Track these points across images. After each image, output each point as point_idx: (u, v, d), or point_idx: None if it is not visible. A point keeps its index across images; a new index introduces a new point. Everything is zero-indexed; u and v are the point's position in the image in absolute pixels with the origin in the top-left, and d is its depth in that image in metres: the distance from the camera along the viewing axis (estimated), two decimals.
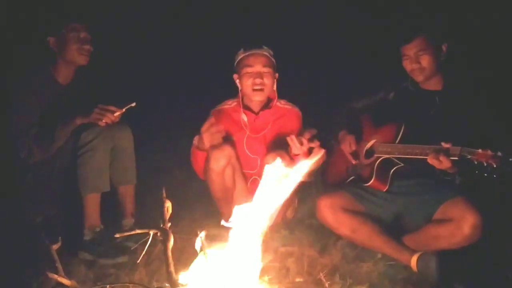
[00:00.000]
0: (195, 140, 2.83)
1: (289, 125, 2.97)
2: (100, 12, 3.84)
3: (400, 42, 2.69)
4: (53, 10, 3.09)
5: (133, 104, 2.70)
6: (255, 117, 2.97)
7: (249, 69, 2.87)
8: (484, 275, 2.34)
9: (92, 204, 2.69)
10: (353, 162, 2.77)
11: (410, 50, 2.65)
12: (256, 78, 2.86)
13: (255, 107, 2.98)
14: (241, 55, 2.92)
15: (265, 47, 2.92)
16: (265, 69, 2.87)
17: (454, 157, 2.32)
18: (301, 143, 2.66)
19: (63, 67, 2.84)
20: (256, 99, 2.93)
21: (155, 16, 4.34)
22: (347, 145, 2.79)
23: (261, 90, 2.88)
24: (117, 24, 4.06)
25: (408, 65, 2.68)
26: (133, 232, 2.22)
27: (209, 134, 2.71)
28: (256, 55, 2.88)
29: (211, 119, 2.78)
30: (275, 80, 2.96)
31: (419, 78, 2.67)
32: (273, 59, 2.92)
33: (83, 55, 2.81)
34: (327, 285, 2.21)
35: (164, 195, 2.26)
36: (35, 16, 3.39)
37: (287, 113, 3.00)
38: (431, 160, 2.39)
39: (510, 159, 2.19)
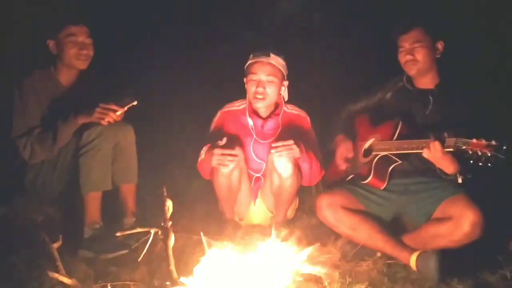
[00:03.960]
0: (206, 154, 2.80)
1: (296, 130, 2.97)
2: (103, 13, 3.85)
3: (397, 33, 2.70)
4: (51, 12, 3.08)
5: (135, 103, 2.70)
6: (262, 122, 2.97)
7: (253, 77, 2.88)
8: (483, 273, 2.35)
9: (93, 202, 2.69)
10: (343, 167, 2.81)
11: (406, 41, 2.66)
12: (258, 86, 2.87)
13: (263, 112, 2.98)
14: (249, 61, 2.92)
15: (273, 55, 2.88)
16: (269, 78, 2.86)
17: (449, 148, 2.34)
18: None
19: (64, 70, 2.83)
20: (256, 106, 2.94)
21: (158, 16, 4.34)
22: (344, 150, 2.82)
23: (262, 98, 2.89)
24: (119, 24, 4.06)
25: (402, 57, 2.69)
26: (134, 231, 2.24)
27: (220, 158, 2.70)
28: (261, 63, 2.87)
29: (224, 142, 2.73)
30: (285, 87, 2.96)
31: (411, 71, 2.68)
32: (280, 68, 2.89)
33: (80, 60, 2.78)
34: (326, 283, 2.22)
35: (165, 194, 2.27)
36: (36, 18, 3.39)
37: (294, 118, 3.00)
38: (426, 153, 2.40)
39: (504, 147, 2.20)
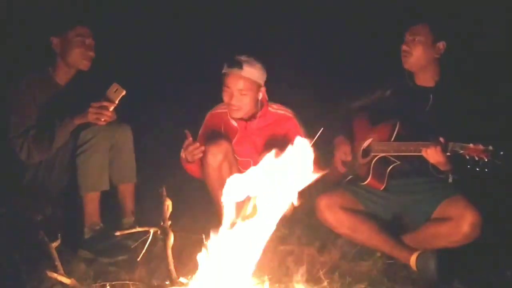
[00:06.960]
0: (182, 154, 2.86)
1: (281, 130, 2.93)
2: (99, 13, 3.84)
3: (405, 25, 2.70)
4: (62, 10, 3.08)
5: (123, 93, 2.64)
6: (245, 124, 2.95)
7: (226, 88, 2.82)
8: (484, 273, 2.35)
9: (92, 202, 2.69)
10: (342, 170, 2.80)
11: (409, 32, 2.66)
12: (231, 99, 2.81)
13: (244, 116, 2.93)
14: (223, 70, 2.85)
15: (246, 66, 2.76)
16: (243, 92, 2.79)
17: (446, 152, 2.34)
18: None
19: (63, 69, 2.83)
20: (232, 117, 2.90)
21: (155, 16, 4.35)
22: (342, 154, 2.80)
23: (237, 109, 2.84)
24: (115, 25, 4.06)
25: (402, 48, 2.69)
26: (133, 230, 2.23)
27: (188, 152, 2.77)
28: (234, 77, 2.78)
29: (188, 139, 2.78)
30: (262, 94, 2.88)
31: (405, 64, 2.68)
32: (255, 79, 2.80)
33: (85, 60, 2.79)
34: (326, 283, 2.22)
35: (164, 193, 2.26)
36: (39, 14, 3.37)
37: (278, 118, 2.95)
38: (425, 153, 2.41)
39: (501, 153, 2.21)
